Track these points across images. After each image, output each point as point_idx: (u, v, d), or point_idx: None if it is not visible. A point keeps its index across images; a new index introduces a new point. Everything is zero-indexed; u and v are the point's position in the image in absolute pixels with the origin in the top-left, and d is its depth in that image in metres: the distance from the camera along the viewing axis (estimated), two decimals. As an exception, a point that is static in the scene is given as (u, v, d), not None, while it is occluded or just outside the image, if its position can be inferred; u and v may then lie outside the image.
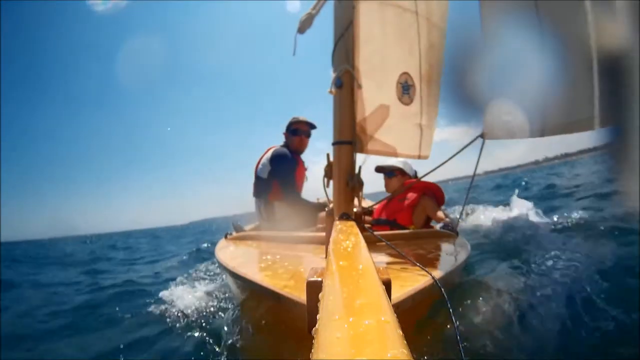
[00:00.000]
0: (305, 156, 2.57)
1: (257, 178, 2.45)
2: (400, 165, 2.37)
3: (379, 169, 2.43)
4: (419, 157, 1.65)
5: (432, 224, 2.32)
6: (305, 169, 2.55)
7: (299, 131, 2.48)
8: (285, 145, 2.51)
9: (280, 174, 2.36)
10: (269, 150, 2.50)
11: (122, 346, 1.82)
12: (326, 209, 1.26)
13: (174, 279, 3.02)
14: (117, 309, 2.41)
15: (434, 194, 2.25)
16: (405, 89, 1.50)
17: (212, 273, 3.11)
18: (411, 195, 2.22)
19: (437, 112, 1.69)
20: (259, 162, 2.48)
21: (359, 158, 1.34)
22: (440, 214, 2.14)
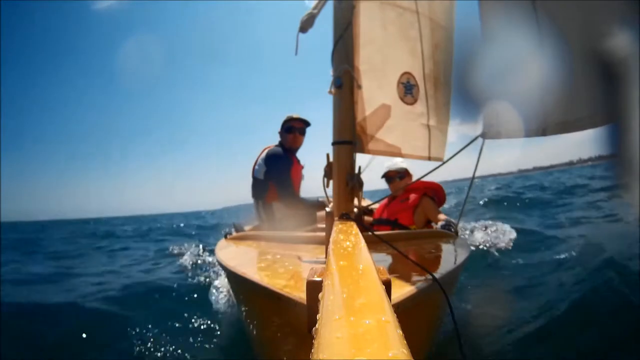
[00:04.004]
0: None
1: (254, 179, 2.43)
2: (405, 165, 2.36)
3: (393, 174, 2.36)
4: (429, 158, 1.63)
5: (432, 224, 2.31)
6: (302, 167, 2.51)
7: (292, 128, 2.43)
8: (280, 144, 2.47)
9: (275, 174, 2.33)
10: (264, 150, 2.47)
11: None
12: (326, 208, 1.26)
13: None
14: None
15: (435, 193, 2.25)
16: (408, 89, 1.50)
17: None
18: (413, 196, 2.21)
19: (449, 113, 1.68)
20: (255, 163, 2.46)
21: (366, 159, 1.34)
22: (440, 216, 2.13)
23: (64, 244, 8.69)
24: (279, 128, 2.51)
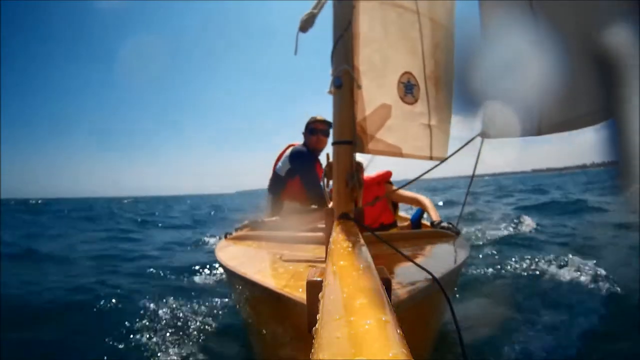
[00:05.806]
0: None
1: (275, 174, 2.47)
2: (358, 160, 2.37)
3: None
4: (431, 158, 1.63)
5: (425, 221, 2.33)
6: (322, 171, 2.53)
7: (316, 130, 2.46)
8: (304, 144, 2.51)
9: (301, 170, 2.35)
10: (288, 147, 2.51)
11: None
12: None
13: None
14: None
15: (386, 178, 2.26)
16: (409, 89, 1.50)
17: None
18: (379, 192, 2.21)
19: (450, 112, 1.67)
20: (278, 159, 2.50)
21: (366, 159, 1.33)
22: (405, 192, 2.22)
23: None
24: (302, 129, 2.54)
